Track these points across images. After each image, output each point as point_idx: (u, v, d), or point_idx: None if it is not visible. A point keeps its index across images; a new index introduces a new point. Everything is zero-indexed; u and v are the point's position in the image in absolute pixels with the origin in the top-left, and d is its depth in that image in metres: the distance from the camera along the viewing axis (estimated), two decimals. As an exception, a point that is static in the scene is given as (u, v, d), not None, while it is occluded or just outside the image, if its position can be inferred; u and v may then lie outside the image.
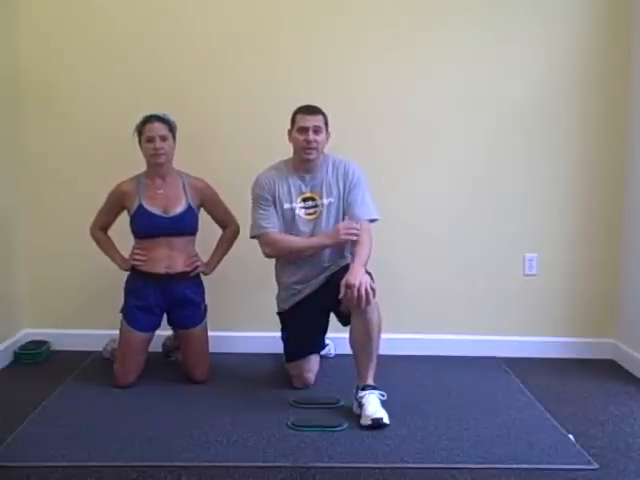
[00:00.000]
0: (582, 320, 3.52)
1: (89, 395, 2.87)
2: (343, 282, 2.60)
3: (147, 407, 2.75)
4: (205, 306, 3.09)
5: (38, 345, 3.37)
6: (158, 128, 2.92)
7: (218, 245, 3.15)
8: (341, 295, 2.61)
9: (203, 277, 3.11)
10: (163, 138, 2.92)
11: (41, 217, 3.44)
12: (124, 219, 3.04)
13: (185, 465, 2.27)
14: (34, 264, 3.46)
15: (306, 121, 2.84)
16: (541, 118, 3.43)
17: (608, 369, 3.37)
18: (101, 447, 2.38)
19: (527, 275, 3.50)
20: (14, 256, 3.39)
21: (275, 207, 2.94)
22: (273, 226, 2.92)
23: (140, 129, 2.95)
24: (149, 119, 2.94)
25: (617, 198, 3.45)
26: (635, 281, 3.33)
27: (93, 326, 3.39)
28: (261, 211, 2.93)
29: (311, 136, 2.83)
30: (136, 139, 2.98)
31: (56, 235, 3.43)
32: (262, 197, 2.94)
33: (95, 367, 3.22)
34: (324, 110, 2.91)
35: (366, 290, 2.56)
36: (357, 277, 2.59)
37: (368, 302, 2.58)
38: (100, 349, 3.33)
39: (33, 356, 3.31)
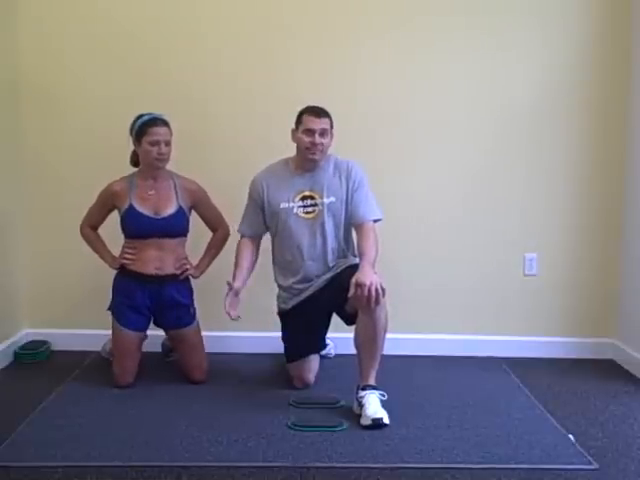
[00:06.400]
0: (582, 320, 3.52)
1: (89, 395, 2.87)
2: (353, 281, 2.55)
3: (147, 407, 2.75)
4: (194, 309, 3.07)
5: (38, 345, 3.38)
6: (165, 133, 2.89)
7: (207, 249, 3.13)
8: (351, 294, 2.56)
9: (202, 275, 3.10)
10: (167, 143, 2.91)
11: (41, 217, 3.44)
12: (115, 219, 3.02)
13: (185, 465, 2.27)
14: (34, 264, 3.46)
15: (314, 123, 2.82)
16: (541, 118, 3.42)
17: (608, 369, 3.36)
18: (101, 447, 2.38)
19: (527, 275, 3.50)
20: (14, 256, 3.39)
21: (263, 210, 2.95)
22: (249, 231, 2.99)
23: (143, 129, 2.88)
24: (154, 121, 2.89)
25: (617, 198, 3.45)
26: (635, 281, 3.33)
27: (93, 326, 3.38)
28: (246, 211, 3.00)
29: (317, 139, 2.82)
30: (130, 137, 2.94)
31: (56, 235, 3.42)
32: (250, 197, 2.99)
33: (95, 367, 3.22)
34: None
35: (376, 290, 2.53)
36: (367, 276, 2.55)
37: (378, 302, 2.55)
38: (100, 349, 3.33)
39: (33, 356, 3.31)
